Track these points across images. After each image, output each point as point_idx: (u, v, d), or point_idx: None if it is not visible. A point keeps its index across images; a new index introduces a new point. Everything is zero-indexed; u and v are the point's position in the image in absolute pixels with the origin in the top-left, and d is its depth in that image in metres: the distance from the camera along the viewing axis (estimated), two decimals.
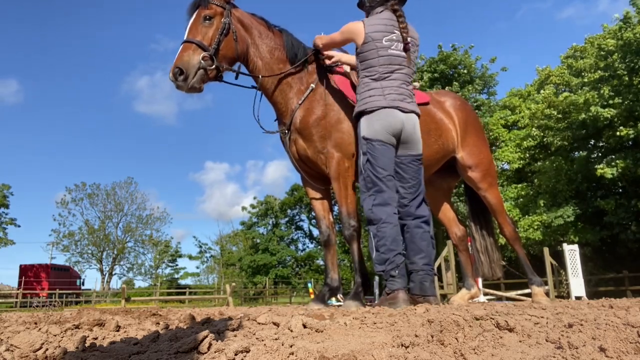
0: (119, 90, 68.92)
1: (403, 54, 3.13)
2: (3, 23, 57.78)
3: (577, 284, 10.65)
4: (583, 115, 15.47)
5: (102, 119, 66.05)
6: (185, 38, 3.16)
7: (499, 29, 72.26)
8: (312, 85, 3.41)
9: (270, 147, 71.68)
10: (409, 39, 3.13)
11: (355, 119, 3.21)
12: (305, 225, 39.40)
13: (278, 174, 66.45)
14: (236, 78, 3.42)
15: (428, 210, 3.18)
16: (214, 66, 3.10)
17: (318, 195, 3.64)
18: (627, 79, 14.53)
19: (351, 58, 3.48)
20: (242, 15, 3.41)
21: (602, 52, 15.81)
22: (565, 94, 16.45)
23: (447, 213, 4.39)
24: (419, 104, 3.34)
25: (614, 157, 15.18)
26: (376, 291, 16.40)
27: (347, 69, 3.57)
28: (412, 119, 3.14)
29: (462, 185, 4.51)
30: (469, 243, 4.54)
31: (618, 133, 14.32)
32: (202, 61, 3.04)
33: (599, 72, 15.50)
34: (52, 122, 63.59)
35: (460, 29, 65.28)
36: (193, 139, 72.42)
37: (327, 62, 3.49)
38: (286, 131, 3.46)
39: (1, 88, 62.37)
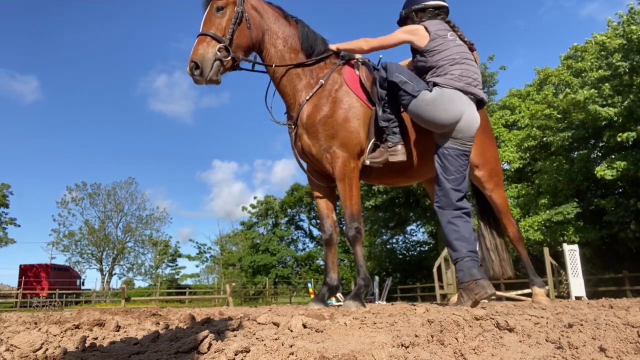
0: (136, 89, 69.40)
1: (468, 50, 3.19)
2: (23, 22, 58.12)
3: (577, 284, 10.64)
4: (583, 115, 15.45)
5: (116, 117, 66.41)
6: (200, 31, 3.16)
7: (517, 26, 72.27)
8: (321, 80, 3.37)
9: (279, 144, 71.73)
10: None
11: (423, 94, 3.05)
12: (305, 225, 39.42)
13: (286, 173, 66.58)
14: (252, 67, 3.43)
15: (469, 204, 3.14)
16: (229, 57, 3.12)
17: (323, 193, 3.62)
18: (627, 78, 14.52)
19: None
20: (256, 2, 3.40)
21: (602, 52, 15.80)
22: (567, 91, 16.42)
23: None
24: None
25: (613, 157, 15.17)
26: (376, 291, 16.40)
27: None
28: (478, 120, 3.11)
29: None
30: None
31: (618, 138, 14.29)
32: (217, 53, 3.06)
33: (600, 71, 15.48)
34: (63, 121, 63.76)
35: (477, 27, 65.33)
36: (204, 138, 72.66)
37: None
38: (293, 126, 3.44)
39: (21, 84, 62.60)
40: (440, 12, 3.32)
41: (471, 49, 3.25)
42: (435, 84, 3.03)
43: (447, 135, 3.05)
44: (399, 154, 3.15)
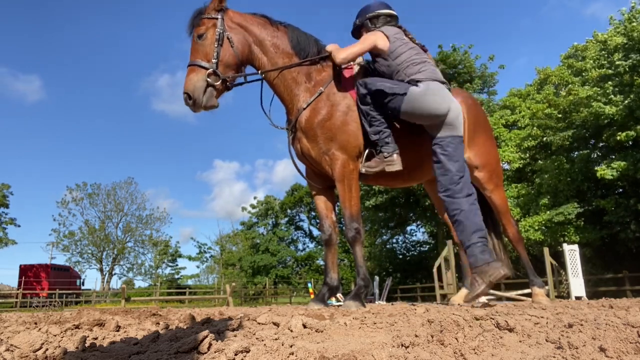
0: (138, 89, 69.62)
1: (422, 52, 3.39)
2: (26, 22, 58.23)
3: (577, 284, 10.64)
4: (584, 113, 15.45)
5: (119, 117, 66.52)
6: (188, 62, 3.24)
7: (520, 25, 72.32)
8: (321, 88, 3.36)
9: (281, 144, 71.92)
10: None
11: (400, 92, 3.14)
12: (305, 225, 39.43)
13: (287, 172, 66.55)
14: (245, 80, 3.46)
15: (473, 188, 3.19)
16: (220, 80, 3.18)
17: (321, 194, 3.63)
18: (627, 77, 14.52)
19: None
20: (237, 17, 3.39)
21: (603, 52, 15.81)
22: (570, 87, 16.40)
23: None
24: None
25: (613, 157, 15.17)
26: (376, 291, 16.40)
27: (355, 67, 3.56)
28: (458, 104, 3.28)
29: None
30: None
31: (618, 137, 14.28)
32: (207, 79, 3.13)
33: (601, 70, 15.48)
34: (65, 121, 63.75)
35: (480, 26, 65.35)
36: (205, 138, 72.74)
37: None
38: (291, 130, 3.45)
39: (24, 84, 62.55)
40: (391, 19, 3.51)
41: (424, 50, 3.43)
42: (417, 80, 3.14)
43: (442, 125, 3.15)
44: (395, 164, 3.19)
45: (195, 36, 3.26)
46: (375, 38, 3.30)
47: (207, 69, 3.15)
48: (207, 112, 3.21)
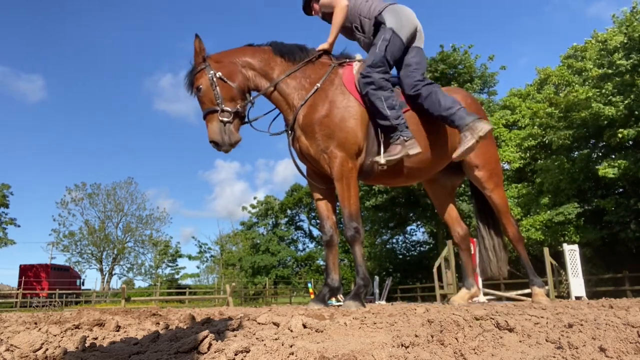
0: (141, 89, 69.65)
1: None
2: (29, 21, 58.33)
3: (577, 284, 10.63)
4: (584, 114, 15.45)
5: (121, 117, 66.44)
6: (202, 115, 3.47)
7: (522, 25, 72.42)
8: (317, 85, 3.41)
9: (282, 144, 72.15)
10: None
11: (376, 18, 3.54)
12: (305, 225, 39.41)
13: (288, 172, 66.50)
14: (252, 105, 3.60)
15: None
16: (232, 115, 3.38)
17: (322, 195, 3.63)
18: (628, 77, 14.51)
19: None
20: (220, 56, 3.56)
21: (603, 52, 15.81)
22: (569, 88, 16.40)
23: (450, 212, 4.37)
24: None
25: (614, 156, 15.17)
26: (376, 291, 16.41)
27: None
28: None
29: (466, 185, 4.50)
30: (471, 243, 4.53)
31: (619, 135, 14.27)
32: (221, 119, 3.35)
33: (601, 70, 15.48)
34: (66, 121, 63.58)
35: (482, 25, 65.35)
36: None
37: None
38: (290, 130, 3.48)
39: (25, 83, 62.51)
40: None
41: None
42: (380, 15, 3.51)
43: (421, 35, 3.62)
44: (416, 147, 3.27)
45: (195, 93, 3.48)
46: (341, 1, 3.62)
47: (216, 111, 3.36)
48: (235, 147, 3.44)
